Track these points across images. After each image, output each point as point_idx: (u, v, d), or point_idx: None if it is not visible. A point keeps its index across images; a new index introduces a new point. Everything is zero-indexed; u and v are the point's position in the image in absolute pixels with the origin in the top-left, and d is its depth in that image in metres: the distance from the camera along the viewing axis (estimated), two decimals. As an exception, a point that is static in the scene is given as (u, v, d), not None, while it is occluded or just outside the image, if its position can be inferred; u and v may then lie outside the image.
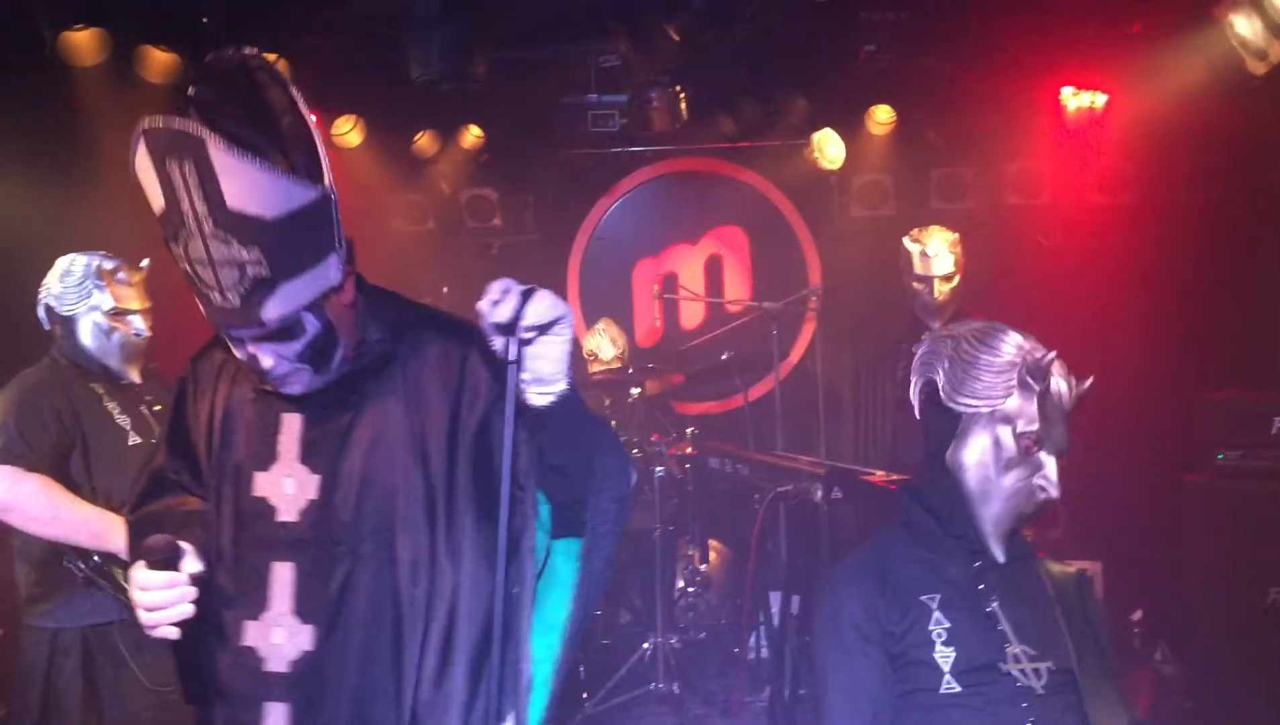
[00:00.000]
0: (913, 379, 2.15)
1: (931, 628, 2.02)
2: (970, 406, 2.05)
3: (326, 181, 1.70)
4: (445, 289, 6.04)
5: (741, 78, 5.79)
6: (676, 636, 5.23)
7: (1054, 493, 2.03)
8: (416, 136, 6.04)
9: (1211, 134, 5.64)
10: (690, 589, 5.53)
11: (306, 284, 1.70)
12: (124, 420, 3.26)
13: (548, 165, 6.58)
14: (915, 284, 4.78)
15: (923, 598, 2.06)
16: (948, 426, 2.09)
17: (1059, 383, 2.04)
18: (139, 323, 3.31)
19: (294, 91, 1.69)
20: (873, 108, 6.03)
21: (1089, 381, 2.09)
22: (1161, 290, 5.90)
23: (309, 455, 1.86)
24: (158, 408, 3.35)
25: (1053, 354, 2.02)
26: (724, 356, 5.78)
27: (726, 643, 5.55)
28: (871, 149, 6.23)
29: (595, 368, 5.63)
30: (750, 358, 5.81)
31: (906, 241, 4.84)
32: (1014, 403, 2.03)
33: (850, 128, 6.14)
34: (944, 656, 2.00)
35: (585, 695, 4.98)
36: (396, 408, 1.88)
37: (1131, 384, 5.88)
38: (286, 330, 1.72)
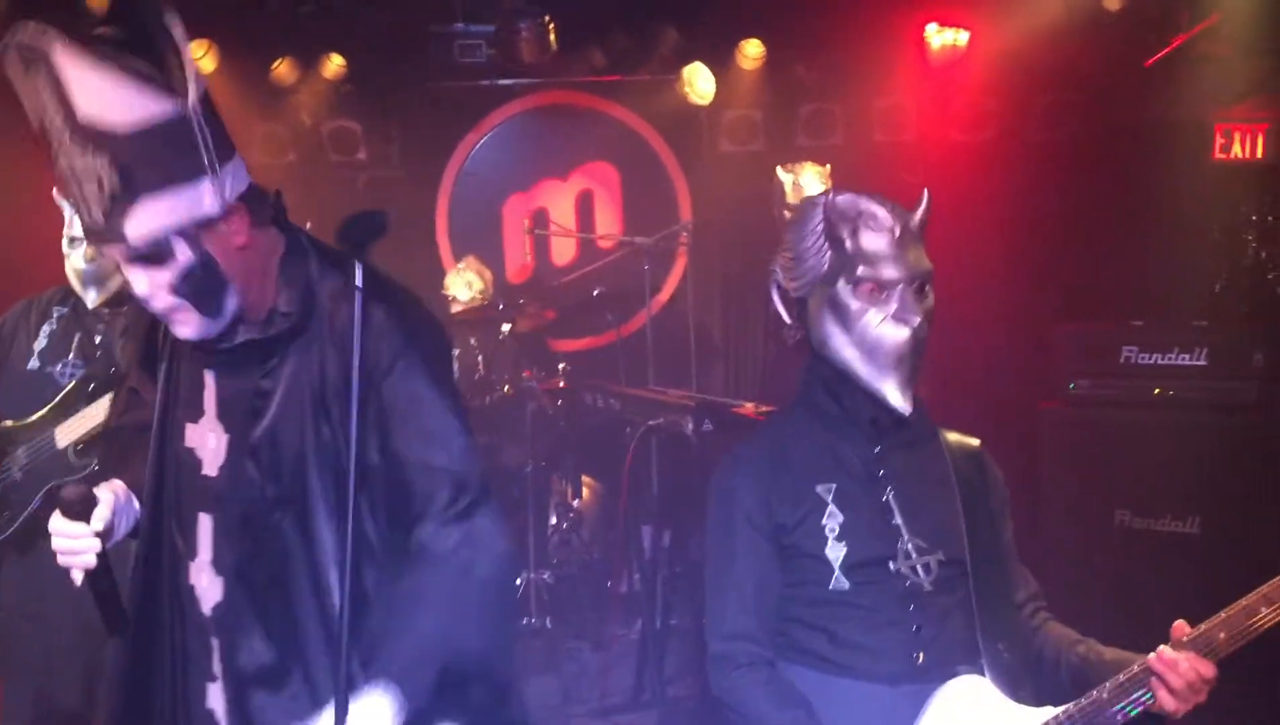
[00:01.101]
0: (771, 289, 2.15)
1: (825, 522, 2.01)
2: (803, 285, 2.07)
3: (191, 99, 1.67)
4: (309, 224, 5.82)
5: (612, 7, 5.69)
6: (549, 572, 5.24)
7: (911, 320, 1.99)
8: (274, 64, 5.80)
9: (1069, 72, 5.80)
10: (563, 525, 5.53)
11: (171, 205, 1.68)
12: (40, 343, 3.28)
13: (414, 97, 6.40)
14: (787, 213, 4.77)
15: (818, 488, 2.04)
16: (803, 314, 2.10)
17: (871, 209, 2.01)
18: (82, 249, 3.21)
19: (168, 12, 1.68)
20: (743, 42, 6.02)
21: (922, 200, 2.05)
22: (1021, 225, 6.05)
23: (223, 414, 1.90)
24: (99, 338, 3.30)
25: (841, 193, 2.02)
26: (596, 292, 5.76)
27: (600, 577, 5.57)
28: (742, 84, 6.23)
29: (455, 308, 5.54)
30: (622, 293, 5.80)
31: (780, 172, 4.85)
32: (831, 258, 2.03)
33: (720, 62, 6.12)
34: (835, 553, 2.00)
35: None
36: (307, 375, 1.87)
37: (992, 316, 6.07)
38: (156, 254, 1.71)
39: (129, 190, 1.64)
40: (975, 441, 2.23)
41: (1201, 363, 4.77)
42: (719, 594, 2.07)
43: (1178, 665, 1.85)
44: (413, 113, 6.46)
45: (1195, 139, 6.00)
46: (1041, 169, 6.04)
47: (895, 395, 2.01)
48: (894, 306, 1.99)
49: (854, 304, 2.01)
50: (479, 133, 6.65)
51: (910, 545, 2.02)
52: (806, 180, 4.78)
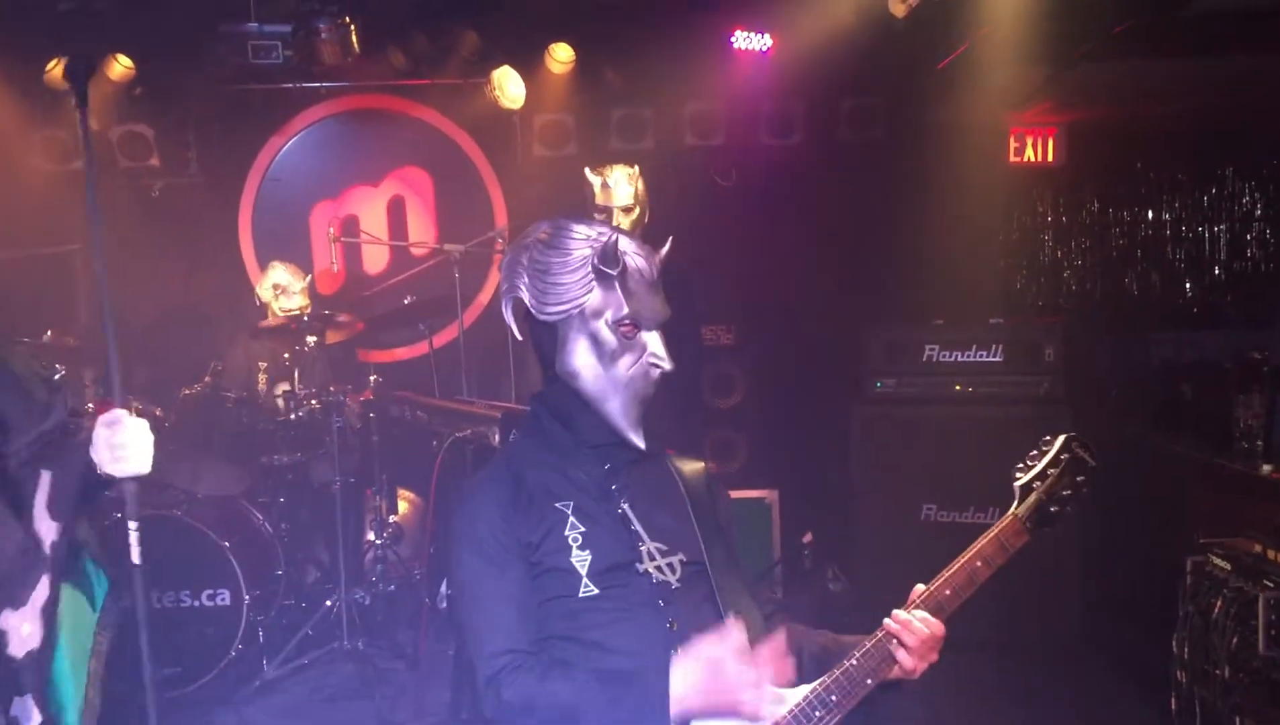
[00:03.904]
0: (503, 303, 2.16)
1: (567, 533, 2.04)
2: (559, 313, 2.08)
3: None
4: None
5: (407, 8, 5.53)
6: (362, 591, 5.06)
7: (666, 366, 2.10)
8: (48, 66, 5.44)
9: (868, 77, 5.93)
10: (379, 541, 5.36)
11: None
12: None
13: (210, 100, 6.10)
14: (597, 215, 4.75)
15: (557, 505, 2.08)
16: (549, 338, 2.12)
17: (634, 260, 2.09)
18: None
19: None
20: (552, 46, 5.95)
21: (665, 247, 2.18)
22: (831, 227, 6.18)
23: None
24: None
25: (615, 236, 2.07)
26: (406, 301, 5.62)
27: (420, 593, 5.43)
28: (552, 88, 6.16)
29: (286, 310, 5.38)
30: (435, 302, 5.66)
31: (588, 173, 4.82)
32: (597, 296, 2.07)
33: (530, 66, 6.04)
34: (580, 560, 2.03)
35: (265, 660, 4.75)
36: None
37: (805, 318, 6.19)
38: None
39: None
40: (701, 463, 2.34)
41: (998, 359, 4.97)
42: (480, 620, 2.05)
43: (911, 624, 1.98)
44: (210, 117, 6.17)
45: (992, 143, 6.26)
46: (848, 172, 6.17)
47: (635, 432, 2.11)
48: (651, 350, 2.10)
49: (614, 343, 2.08)
50: (283, 137, 6.41)
51: (652, 548, 2.08)
52: (614, 179, 4.75)
